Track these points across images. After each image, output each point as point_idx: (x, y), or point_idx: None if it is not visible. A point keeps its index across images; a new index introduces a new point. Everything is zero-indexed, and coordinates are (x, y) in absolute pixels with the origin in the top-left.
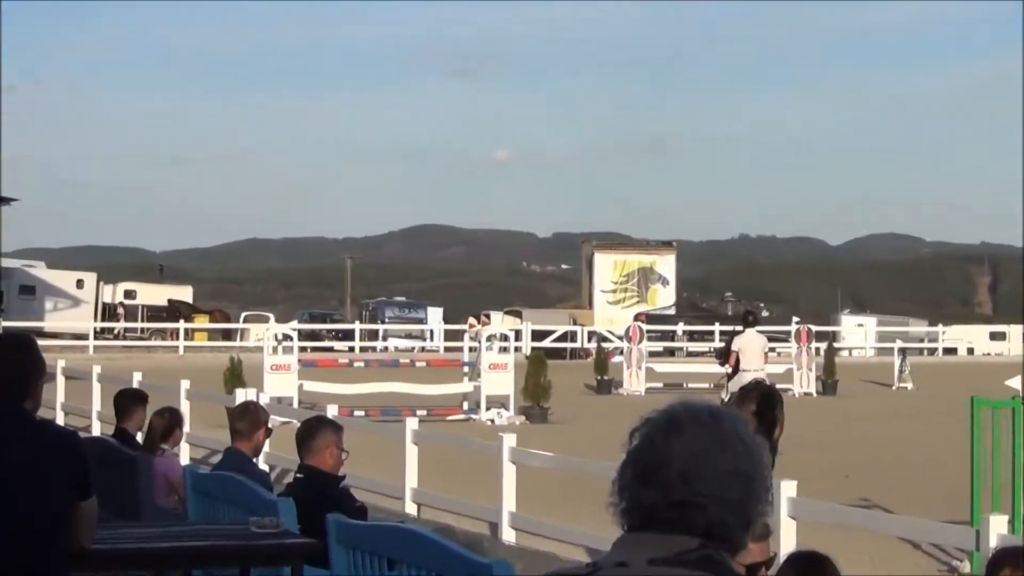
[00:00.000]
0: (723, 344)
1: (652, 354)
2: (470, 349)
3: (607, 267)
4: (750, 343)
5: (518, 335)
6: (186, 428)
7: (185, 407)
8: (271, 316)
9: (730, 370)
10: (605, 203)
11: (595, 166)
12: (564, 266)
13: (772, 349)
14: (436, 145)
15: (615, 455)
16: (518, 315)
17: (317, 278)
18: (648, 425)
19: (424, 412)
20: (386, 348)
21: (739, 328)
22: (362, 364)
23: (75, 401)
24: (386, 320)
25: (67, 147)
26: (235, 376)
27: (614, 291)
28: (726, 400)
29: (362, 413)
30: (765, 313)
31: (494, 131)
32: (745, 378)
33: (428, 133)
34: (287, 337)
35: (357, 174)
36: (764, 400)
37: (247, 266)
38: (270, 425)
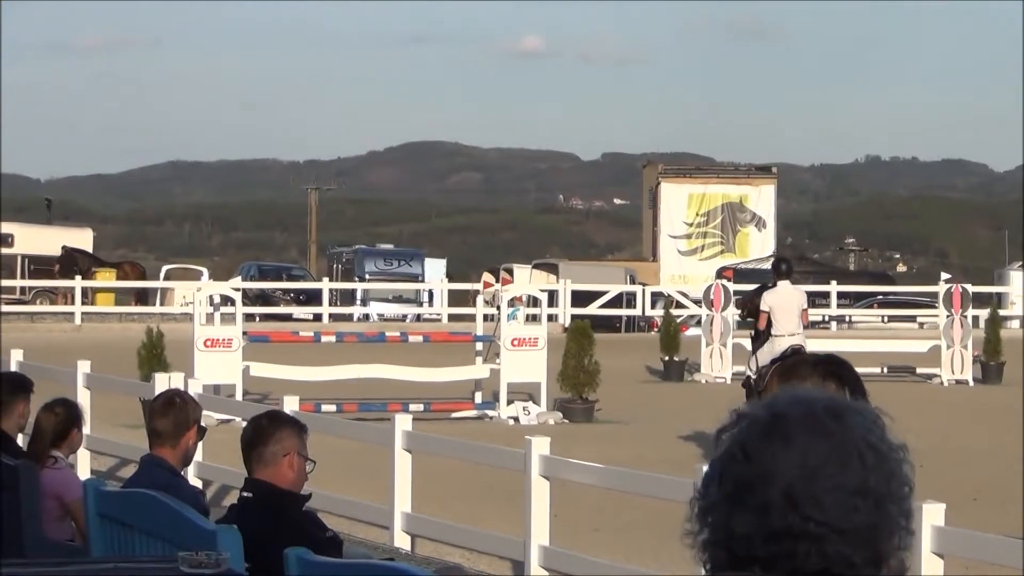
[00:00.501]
0: (750, 294)
1: (742, 325)
2: (485, 318)
3: (679, 202)
4: (784, 300)
5: (553, 298)
6: (86, 429)
7: (84, 398)
8: (204, 271)
9: (754, 334)
10: (676, 112)
11: (663, 60)
12: (618, 201)
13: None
14: (439, 29)
15: (690, 466)
16: (552, 270)
17: (268, 217)
18: (742, 426)
19: (420, 407)
20: (366, 316)
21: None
22: (332, 339)
23: None
24: (367, 277)
25: None
26: (154, 355)
27: (689, 236)
28: (756, 374)
29: (333, 408)
30: (902, 267)
31: (521, 9)
32: (779, 344)
33: (427, 12)
34: (227, 300)
35: (326, 69)
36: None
37: (168, 200)
38: (203, 424)
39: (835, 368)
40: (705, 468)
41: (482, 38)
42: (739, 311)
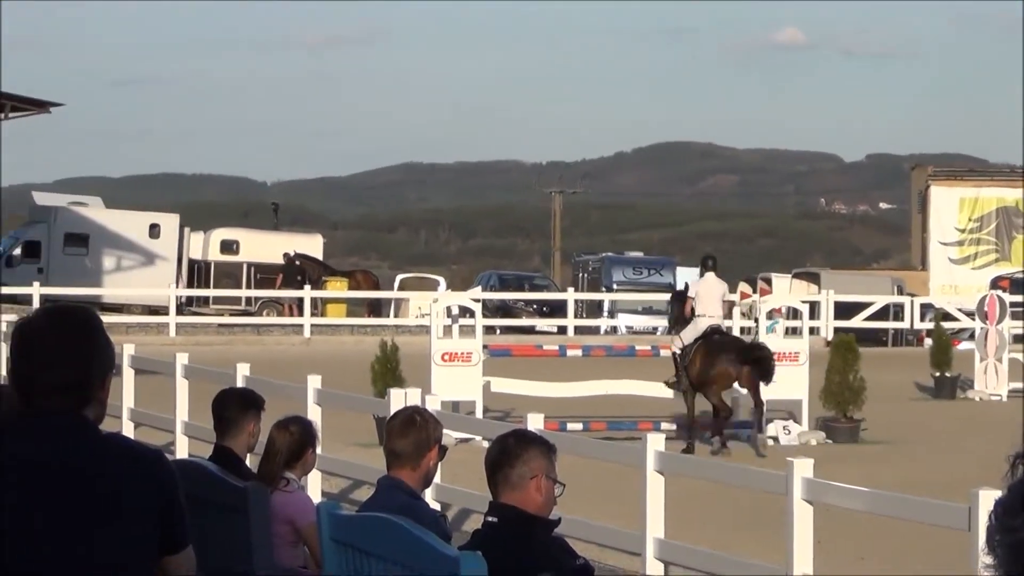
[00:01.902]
0: (673, 299)
1: (1019, 339)
2: (742, 331)
3: (950, 206)
4: (709, 289)
5: (814, 310)
6: (318, 448)
7: (315, 416)
8: (441, 280)
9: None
10: (946, 110)
11: (932, 53)
12: (884, 205)
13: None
14: (690, 22)
15: (963, 490)
16: (814, 279)
17: (508, 223)
18: None
19: (673, 426)
20: (614, 329)
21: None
22: (579, 352)
23: (150, 406)
24: (615, 286)
25: (124, 31)
26: (389, 370)
27: (961, 243)
28: (681, 350)
29: (579, 426)
30: None
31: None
32: (701, 324)
33: (677, 2)
34: (466, 311)
35: (569, 64)
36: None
37: (403, 206)
38: (444, 443)
39: (757, 354)
40: (995, 494)
41: (736, 30)
42: (670, 316)
